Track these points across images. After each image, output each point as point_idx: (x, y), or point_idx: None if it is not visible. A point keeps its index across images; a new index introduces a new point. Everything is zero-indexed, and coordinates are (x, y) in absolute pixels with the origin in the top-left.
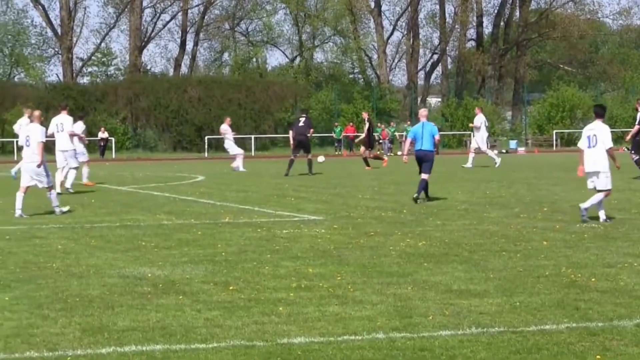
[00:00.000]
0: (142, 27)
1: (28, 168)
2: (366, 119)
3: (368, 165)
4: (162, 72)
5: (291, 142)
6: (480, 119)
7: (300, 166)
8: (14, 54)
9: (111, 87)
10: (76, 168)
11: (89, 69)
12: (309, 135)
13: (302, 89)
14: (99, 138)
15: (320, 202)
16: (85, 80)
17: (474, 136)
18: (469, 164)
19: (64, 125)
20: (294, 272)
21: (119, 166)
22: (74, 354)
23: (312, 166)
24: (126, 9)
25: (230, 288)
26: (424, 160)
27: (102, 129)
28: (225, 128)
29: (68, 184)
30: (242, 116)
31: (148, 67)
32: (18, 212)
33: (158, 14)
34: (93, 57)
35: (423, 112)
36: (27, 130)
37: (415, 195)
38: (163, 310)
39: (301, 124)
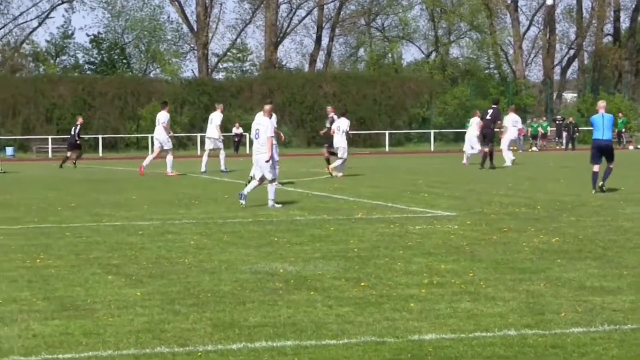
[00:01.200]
0: (278, 23)
1: (257, 160)
2: (330, 115)
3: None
4: (297, 68)
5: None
6: (510, 118)
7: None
8: (150, 50)
9: (246, 83)
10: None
11: (224, 65)
12: (494, 127)
13: (437, 84)
14: (233, 134)
15: (453, 198)
16: (220, 76)
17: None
18: (508, 163)
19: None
20: (426, 268)
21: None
22: (204, 349)
23: (493, 159)
24: (262, 5)
25: (362, 284)
26: (605, 150)
27: (237, 124)
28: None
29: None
30: (377, 112)
31: (283, 63)
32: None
33: (294, 10)
34: (228, 53)
35: (602, 103)
36: (257, 123)
37: (600, 183)
38: (294, 306)
39: (488, 116)
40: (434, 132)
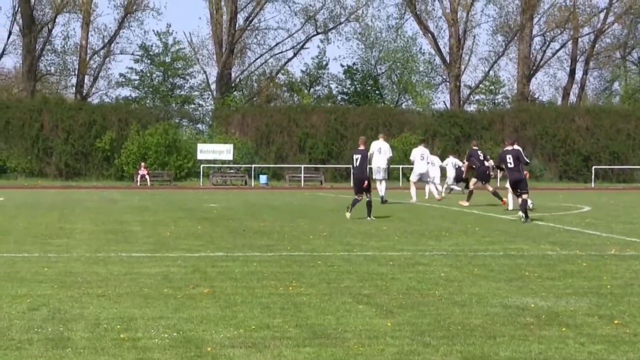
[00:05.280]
0: (531, 56)
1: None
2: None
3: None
4: (549, 101)
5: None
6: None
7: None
8: (402, 81)
9: (498, 115)
10: None
11: (476, 97)
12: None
13: None
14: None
15: None
16: (472, 108)
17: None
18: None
19: None
20: None
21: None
22: None
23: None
24: (515, 37)
25: (616, 322)
26: None
27: (488, 157)
28: None
29: None
30: (631, 146)
31: (536, 96)
32: None
33: (547, 42)
34: (481, 85)
35: None
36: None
37: None
38: (545, 342)
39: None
40: None
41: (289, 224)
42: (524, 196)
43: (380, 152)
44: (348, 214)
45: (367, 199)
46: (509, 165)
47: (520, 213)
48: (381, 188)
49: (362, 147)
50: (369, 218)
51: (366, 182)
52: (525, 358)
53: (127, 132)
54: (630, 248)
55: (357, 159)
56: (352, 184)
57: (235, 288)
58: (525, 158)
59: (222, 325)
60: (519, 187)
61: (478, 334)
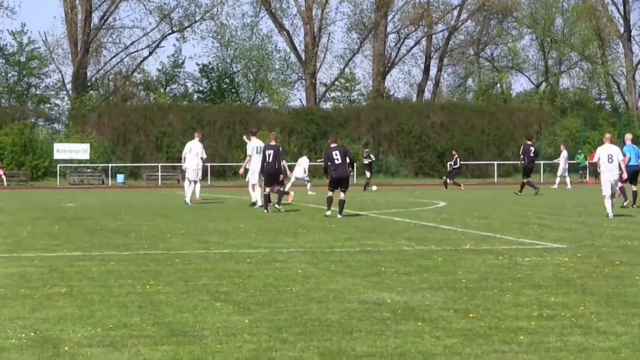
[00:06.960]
0: (386, 53)
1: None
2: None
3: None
4: (405, 98)
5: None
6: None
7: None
8: (258, 79)
9: (354, 112)
10: None
11: (332, 94)
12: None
13: (547, 115)
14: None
15: (563, 230)
16: (328, 105)
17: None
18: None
19: None
20: (535, 300)
21: (359, 191)
22: None
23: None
24: (370, 35)
25: (470, 315)
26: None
27: None
28: None
29: None
30: (485, 142)
31: (391, 93)
32: None
33: (402, 40)
34: (336, 83)
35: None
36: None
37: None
38: (402, 336)
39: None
40: (544, 164)
41: (146, 222)
42: (343, 195)
43: (191, 152)
44: (268, 209)
45: (266, 193)
46: (337, 162)
47: (338, 215)
48: (197, 190)
49: (273, 143)
50: (277, 206)
51: (281, 176)
52: (382, 353)
53: None
54: (485, 243)
55: (269, 155)
56: (263, 178)
57: (93, 287)
58: (352, 157)
59: (80, 324)
60: (343, 184)
61: (335, 329)
